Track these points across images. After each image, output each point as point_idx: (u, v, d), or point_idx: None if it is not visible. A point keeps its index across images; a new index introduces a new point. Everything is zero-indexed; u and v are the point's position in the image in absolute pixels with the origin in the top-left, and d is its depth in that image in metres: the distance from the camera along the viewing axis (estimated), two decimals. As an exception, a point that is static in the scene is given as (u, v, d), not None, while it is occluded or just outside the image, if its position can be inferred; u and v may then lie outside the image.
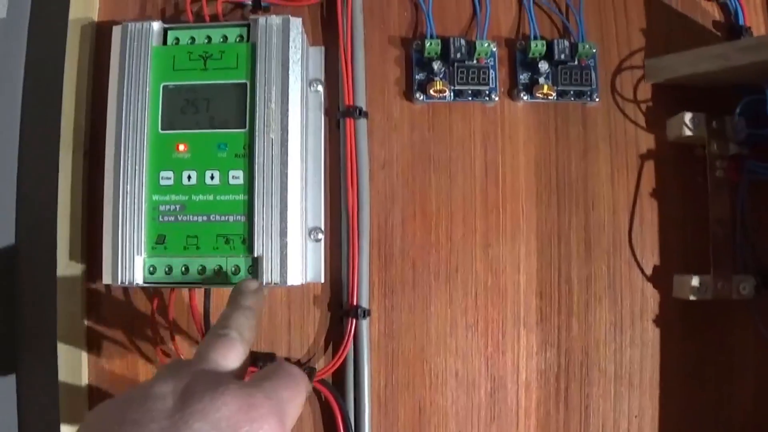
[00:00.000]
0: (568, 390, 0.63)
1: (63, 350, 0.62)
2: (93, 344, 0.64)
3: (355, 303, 0.61)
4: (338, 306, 0.63)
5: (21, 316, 0.66)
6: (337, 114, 0.64)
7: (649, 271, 0.64)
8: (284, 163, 0.57)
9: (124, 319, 0.64)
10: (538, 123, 0.65)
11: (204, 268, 0.57)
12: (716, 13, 0.67)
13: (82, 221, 0.64)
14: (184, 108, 0.59)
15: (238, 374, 0.47)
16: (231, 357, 0.47)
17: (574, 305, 0.63)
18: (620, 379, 0.63)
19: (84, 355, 0.63)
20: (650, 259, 0.64)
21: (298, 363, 0.63)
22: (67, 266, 0.62)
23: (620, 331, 0.63)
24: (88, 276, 0.64)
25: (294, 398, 0.46)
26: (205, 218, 0.58)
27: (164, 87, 0.59)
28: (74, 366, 0.63)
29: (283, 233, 0.57)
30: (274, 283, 0.56)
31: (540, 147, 0.65)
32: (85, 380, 0.63)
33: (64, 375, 0.62)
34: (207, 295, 0.60)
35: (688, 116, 0.61)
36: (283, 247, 0.56)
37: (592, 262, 0.64)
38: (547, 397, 0.63)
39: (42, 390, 0.65)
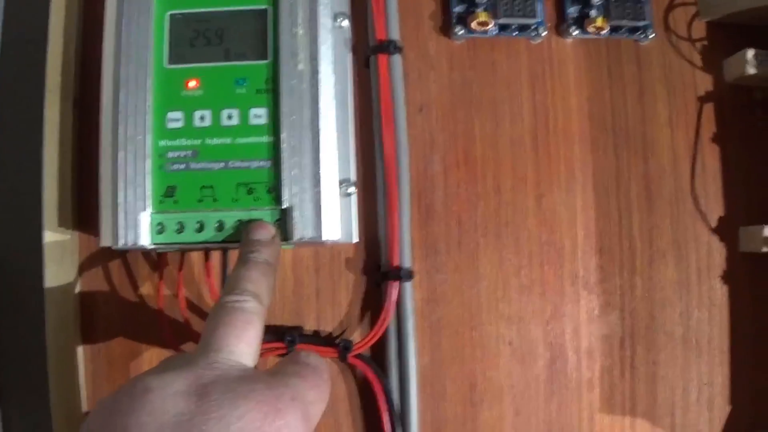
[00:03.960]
0: (634, 357, 0.51)
1: (52, 337, 0.48)
2: (88, 327, 0.50)
3: (396, 264, 0.48)
4: (375, 269, 0.50)
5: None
6: (367, 51, 0.51)
7: (714, 223, 0.52)
8: (315, 98, 0.44)
9: (123, 295, 0.51)
10: (589, 62, 0.53)
11: (222, 225, 0.44)
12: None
13: (72, 182, 0.50)
14: (194, 39, 0.46)
15: (255, 358, 0.36)
16: (248, 338, 0.36)
17: (637, 262, 0.51)
18: (688, 344, 0.51)
19: (78, 349, 0.50)
20: (714, 209, 0.52)
21: (330, 336, 0.50)
22: (54, 236, 0.49)
23: (687, 291, 0.52)
24: (81, 245, 0.51)
25: (319, 400, 0.37)
26: (222, 165, 0.45)
27: (171, 16, 0.46)
28: (66, 359, 0.49)
29: (317, 180, 0.44)
30: (309, 239, 0.43)
31: (592, 88, 0.53)
32: (81, 372, 0.50)
33: (54, 368, 0.48)
34: (224, 263, 0.46)
35: (750, 53, 0.51)
36: (317, 195, 0.44)
37: (654, 214, 0.52)
38: (612, 365, 0.51)
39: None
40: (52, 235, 0.48)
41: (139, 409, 0.31)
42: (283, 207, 0.44)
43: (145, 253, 0.51)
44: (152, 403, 0.31)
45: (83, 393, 0.50)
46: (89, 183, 0.50)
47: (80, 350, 0.50)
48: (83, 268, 0.50)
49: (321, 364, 0.39)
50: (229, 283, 0.39)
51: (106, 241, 0.44)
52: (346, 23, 0.50)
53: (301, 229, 0.43)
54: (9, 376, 0.52)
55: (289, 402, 0.33)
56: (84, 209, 0.50)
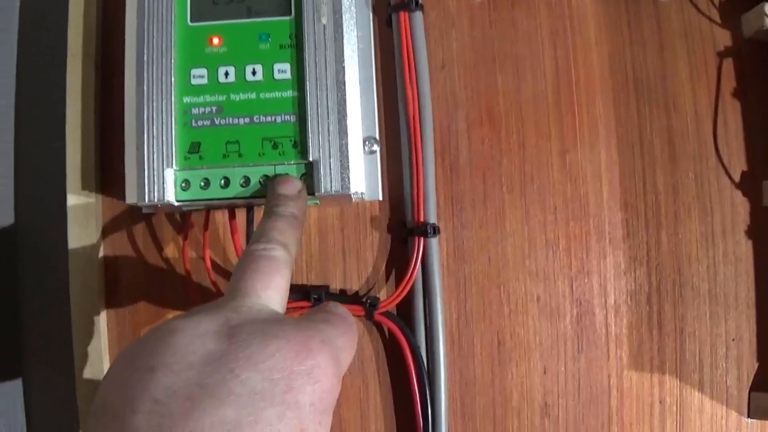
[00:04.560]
0: (662, 313, 0.50)
1: (76, 301, 0.47)
2: (112, 291, 0.50)
3: (422, 219, 0.48)
4: (400, 226, 0.49)
5: (24, 260, 0.51)
6: (388, 9, 0.50)
7: (737, 178, 0.51)
8: (339, 52, 0.44)
9: (148, 258, 0.50)
10: (609, 17, 0.52)
11: (248, 180, 0.44)
12: None
13: (95, 145, 0.49)
14: (216, -3, 0.46)
15: (283, 305, 0.35)
16: (275, 284, 0.35)
17: (662, 217, 0.51)
18: (715, 299, 0.50)
19: (102, 314, 0.49)
20: (737, 164, 0.51)
21: (356, 295, 0.49)
22: (78, 199, 0.48)
23: (712, 245, 0.51)
24: (104, 209, 0.50)
25: (348, 347, 0.35)
26: (247, 120, 0.44)
27: (192, -26, 0.46)
28: (90, 323, 0.48)
29: (343, 132, 0.43)
30: (335, 192, 0.43)
31: (613, 44, 0.52)
32: (104, 337, 0.49)
33: (79, 333, 0.47)
34: (250, 220, 0.46)
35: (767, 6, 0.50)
36: (344, 148, 0.43)
37: (677, 169, 0.51)
38: (639, 321, 0.50)
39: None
40: (75, 198, 0.48)
41: (164, 349, 0.30)
42: (309, 160, 0.43)
43: (169, 215, 0.50)
44: (179, 344, 0.30)
45: (107, 358, 0.49)
46: (112, 146, 0.50)
47: (104, 315, 0.49)
48: (107, 231, 0.50)
49: (349, 314, 0.38)
50: (256, 233, 0.38)
51: (131, 198, 0.44)
52: (366, -18, 0.50)
53: (328, 183, 0.43)
54: (33, 341, 0.51)
55: (319, 343, 0.32)
56: (107, 172, 0.50)
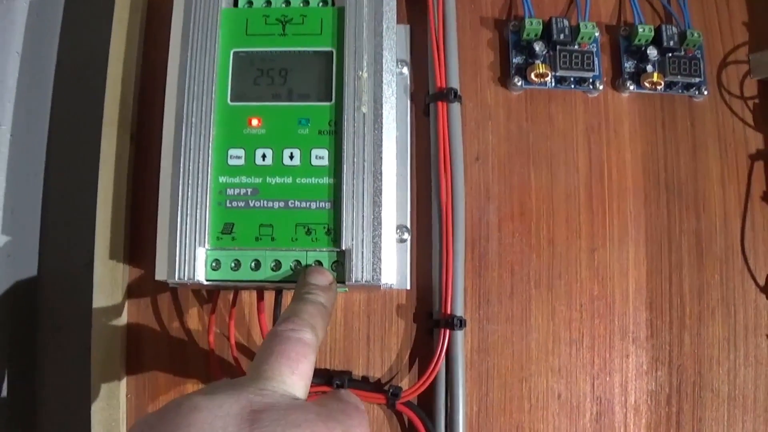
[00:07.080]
0: (680, 414, 0.48)
1: (98, 369, 0.45)
2: (134, 360, 0.47)
3: (449, 312, 0.45)
4: (426, 316, 0.47)
5: (45, 322, 0.49)
6: (426, 98, 0.48)
7: (762, 281, 0.49)
8: (378, 142, 0.42)
9: (171, 330, 0.48)
10: (644, 116, 0.50)
11: (279, 264, 0.41)
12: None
13: (126, 215, 0.47)
14: (258, 78, 0.44)
15: (306, 391, 0.33)
16: (301, 370, 0.33)
17: (686, 318, 0.49)
18: (734, 401, 0.48)
19: (123, 381, 0.47)
20: (763, 267, 0.49)
21: (378, 382, 0.47)
22: (105, 268, 0.46)
23: (734, 348, 0.49)
24: (131, 278, 0.48)
25: None
26: (282, 204, 0.42)
27: (235, 54, 0.44)
28: (110, 390, 0.46)
29: (377, 223, 0.41)
30: (366, 282, 0.41)
31: (647, 143, 0.50)
32: (123, 405, 0.47)
33: (98, 401, 0.45)
34: (278, 303, 0.43)
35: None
36: (377, 238, 0.41)
37: (704, 270, 0.49)
38: (658, 422, 0.48)
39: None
40: (102, 267, 0.46)
41: (185, 427, 0.28)
42: (341, 249, 0.41)
43: (195, 289, 0.48)
44: (200, 423, 0.28)
45: (125, 425, 0.47)
46: (142, 218, 0.47)
47: (124, 382, 0.47)
48: (132, 301, 0.48)
49: (360, 404, 0.36)
50: (285, 314, 0.36)
51: (161, 275, 0.42)
52: (405, 70, 0.49)
53: (359, 273, 0.41)
54: (52, 409, 0.48)
55: None
56: (136, 242, 0.47)
